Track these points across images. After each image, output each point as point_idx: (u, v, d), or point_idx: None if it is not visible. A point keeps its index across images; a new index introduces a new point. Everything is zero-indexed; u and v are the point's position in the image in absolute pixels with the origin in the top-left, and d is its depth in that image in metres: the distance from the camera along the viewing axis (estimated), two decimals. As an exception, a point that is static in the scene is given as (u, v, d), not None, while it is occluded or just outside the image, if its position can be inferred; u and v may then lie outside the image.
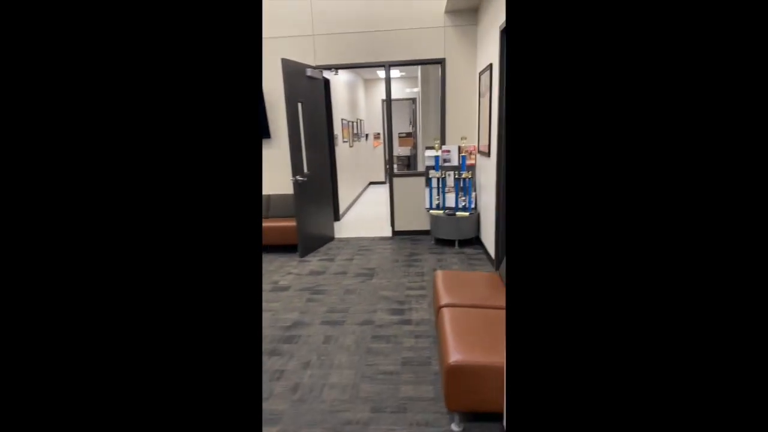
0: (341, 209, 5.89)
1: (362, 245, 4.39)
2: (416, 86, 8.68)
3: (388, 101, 4.44)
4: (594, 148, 0.63)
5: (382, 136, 9.44)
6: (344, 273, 3.57)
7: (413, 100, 8.99)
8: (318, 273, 3.60)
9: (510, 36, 0.68)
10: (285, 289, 3.28)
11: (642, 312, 0.62)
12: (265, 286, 3.37)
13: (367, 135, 9.01)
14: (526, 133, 0.66)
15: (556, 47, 0.63)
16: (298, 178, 3.92)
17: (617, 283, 0.63)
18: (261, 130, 4.43)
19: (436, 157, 4.31)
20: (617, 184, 0.63)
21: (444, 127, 4.41)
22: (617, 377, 0.63)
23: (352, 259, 3.93)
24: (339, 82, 6.09)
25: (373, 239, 4.62)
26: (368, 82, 9.16)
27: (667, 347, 0.62)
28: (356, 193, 7.49)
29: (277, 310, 2.89)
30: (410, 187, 4.59)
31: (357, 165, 7.66)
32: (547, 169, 0.65)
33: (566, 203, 0.65)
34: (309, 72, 4.04)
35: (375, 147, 9.48)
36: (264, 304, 3.02)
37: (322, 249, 4.33)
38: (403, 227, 4.70)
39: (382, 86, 9.13)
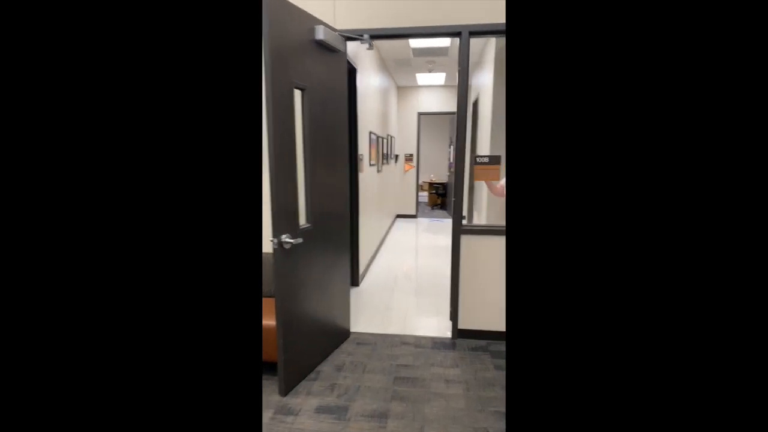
0: (362, 265, 3.89)
1: (401, 360, 2.36)
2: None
3: (463, 96, 2.47)
4: (593, 150, 0.66)
5: (415, 157, 7.51)
6: (370, 476, 1.53)
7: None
8: (310, 464, 1.58)
9: (509, 37, 0.71)
10: None
11: (641, 313, 0.65)
12: None
13: (396, 156, 7.09)
14: (525, 134, 0.69)
15: (555, 48, 0.66)
16: (285, 239, 1.95)
17: (618, 285, 0.66)
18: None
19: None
20: (616, 187, 0.65)
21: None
22: (618, 380, 0.65)
23: (385, 416, 1.89)
24: (369, 84, 4.19)
25: (419, 344, 2.58)
26: (402, 91, 7.30)
27: (663, 349, 0.64)
28: (382, 234, 5.50)
29: None
30: (487, 251, 2.57)
31: (384, 196, 5.70)
32: (547, 171, 0.68)
33: (566, 205, 0.67)
34: (321, 33, 2.12)
35: (406, 171, 7.55)
36: None
37: (326, 368, 2.30)
38: (475, 325, 2.66)
39: (419, 96, 7.24)
